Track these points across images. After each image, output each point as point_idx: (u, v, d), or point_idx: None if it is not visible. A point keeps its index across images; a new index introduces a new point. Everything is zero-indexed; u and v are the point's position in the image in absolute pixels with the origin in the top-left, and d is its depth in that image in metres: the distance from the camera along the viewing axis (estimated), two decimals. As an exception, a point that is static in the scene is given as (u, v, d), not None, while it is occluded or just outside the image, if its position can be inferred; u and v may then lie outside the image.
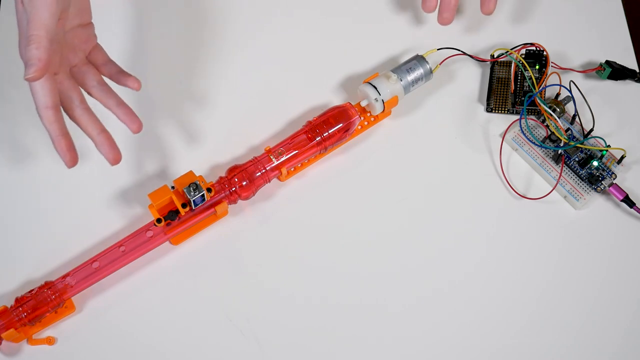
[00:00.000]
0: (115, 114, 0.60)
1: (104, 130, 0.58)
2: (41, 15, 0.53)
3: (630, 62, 0.70)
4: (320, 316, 0.60)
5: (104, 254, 0.60)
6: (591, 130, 0.65)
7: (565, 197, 0.64)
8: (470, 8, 0.74)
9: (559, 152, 0.64)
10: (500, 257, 0.62)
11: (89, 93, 0.60)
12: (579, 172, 0.64)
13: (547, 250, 0.62)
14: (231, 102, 0.70)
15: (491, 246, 0.63)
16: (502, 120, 0.68)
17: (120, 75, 0.60)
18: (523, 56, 0.68)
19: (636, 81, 0.69)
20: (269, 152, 0.63)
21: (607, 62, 0.69)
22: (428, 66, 0.67)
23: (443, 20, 0.68)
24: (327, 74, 0.71)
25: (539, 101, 0.65)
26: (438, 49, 0.69)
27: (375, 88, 0.65)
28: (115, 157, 0.59)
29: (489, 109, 0.68)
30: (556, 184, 0.64)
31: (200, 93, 0.70)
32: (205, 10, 0.75)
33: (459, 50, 0.70)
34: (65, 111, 0.58)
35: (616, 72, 0.68)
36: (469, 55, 0.70)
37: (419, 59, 0.67)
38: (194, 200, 0.59)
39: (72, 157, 0.57)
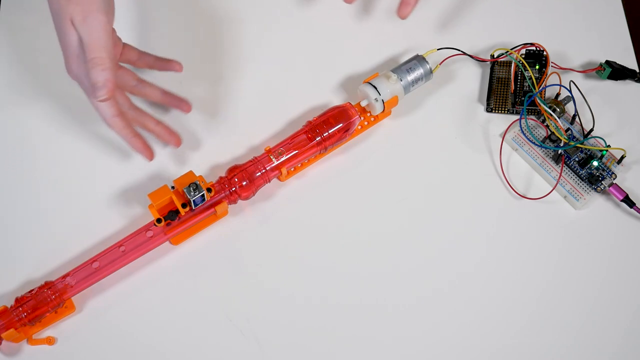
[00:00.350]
0: (164, 103, 0.66)
1: (159, 122, 0.64)
2: (100, 37, 0.54)
3: (630, 62, 0.70)
4: (320, 316, 0.60)
5: (104, 254, 0.60)
6: (591, 130, 0.65)
7: (565, 197, 0.64)
8: (469, 8, 0.74)
9: (559, 152, 0.64)
10: (500, 257, 0.62)
11: (132, 93, 0.64)
12: (579, 172, 0.64)
13: (547, 250, 0.62)
14: (231, 102, 0.70)
15: (491, 246, 0.63)
16: (502, 120, 0.68)
17: (159, 62, 0.65)
18: (523, 56, 0.68)
19: (636, 81, 0.69)
20: (269, 152, 0.63)
21: (607, 62, 0.69)
22: (428, 66, 0.67)
23: (402, 14, 0.69)
24: (327, 74, 0.71)
25: (539, 101, 0.65)
26: (438, 49, 0.69)
27: (375, 88, 0.65)
28: (177, 141, 0.65)
29: (489, 109, 0.68)
30: (556, 184, 0.64)
31: (200, 93, 0.70)
32: (206, 11, 0.75)
33: (459, 50, 0.70)
34: None
35: (616, 72, 0.68)
36: (469, 55, 0.70)
37: (419, 59, 0.67)
38: (194, 200, 0.59)
39: (149, 153, 0.63)
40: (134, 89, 0.64)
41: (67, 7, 0.54)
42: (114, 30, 0.60)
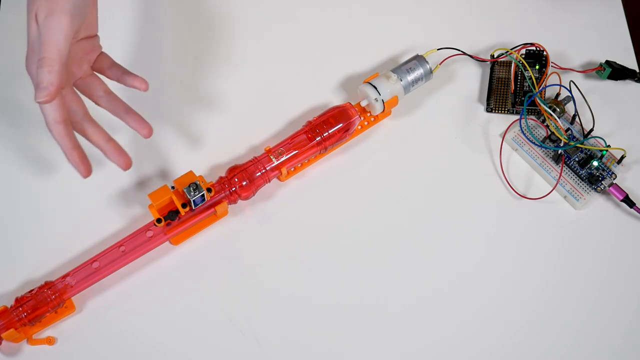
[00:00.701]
0: (124, 122, 0.60)
1: (110, 139, 0.59)
2: (56, 39, 0.53)
3: (630, 62, 0.70)
4: (320, 316, 0.60)
5: (104, 254, 0.60)
6: (591, 130, 0.65)
7: (565, 197, 0.64)
8: (470, 7, 0.74)
9: (559, 152, 0.64)
10: (500, 257, 0.62)
11: (96, 103, 0.60)
12: (579, 172, 0.64)
13: (547, 250, 0.62)
14: (231, 102, 0.70)
15: (491, 246, 0.63)
16: (502, 120, 0.68)
17: (126, 76, 0.60)
18: (523, 56, 0.68)
19: (636, 81, 0.69)
20: (269, 152, 0.63)
21: (607, 62, 0.69)
22: (428, 66, 0.67)
23: None
24: (327, 74, 0.71)
25: (539, 101, 0.65)
26: (438, 49, 0.69)
27: (375, 88, 0.65)
28: (126, 163, 0.59)
29: (489, 109, 0.68)
30: (556, 184, 0.64)
31: (200, 93, 0.70)
32: (206, 11, 0.75)
33: (459, 50, 0.70)
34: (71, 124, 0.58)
35: (616, 72, 0.68)
36: (469, 55, 0.70)
37: (419, 59, 0.67)
38: (194, 200, 0.59)
39: (86, 168, 0.57)
40: (99, 100, 0.60)
41: (35, 0, 0.53)
42: (96, 38, 0.60)
